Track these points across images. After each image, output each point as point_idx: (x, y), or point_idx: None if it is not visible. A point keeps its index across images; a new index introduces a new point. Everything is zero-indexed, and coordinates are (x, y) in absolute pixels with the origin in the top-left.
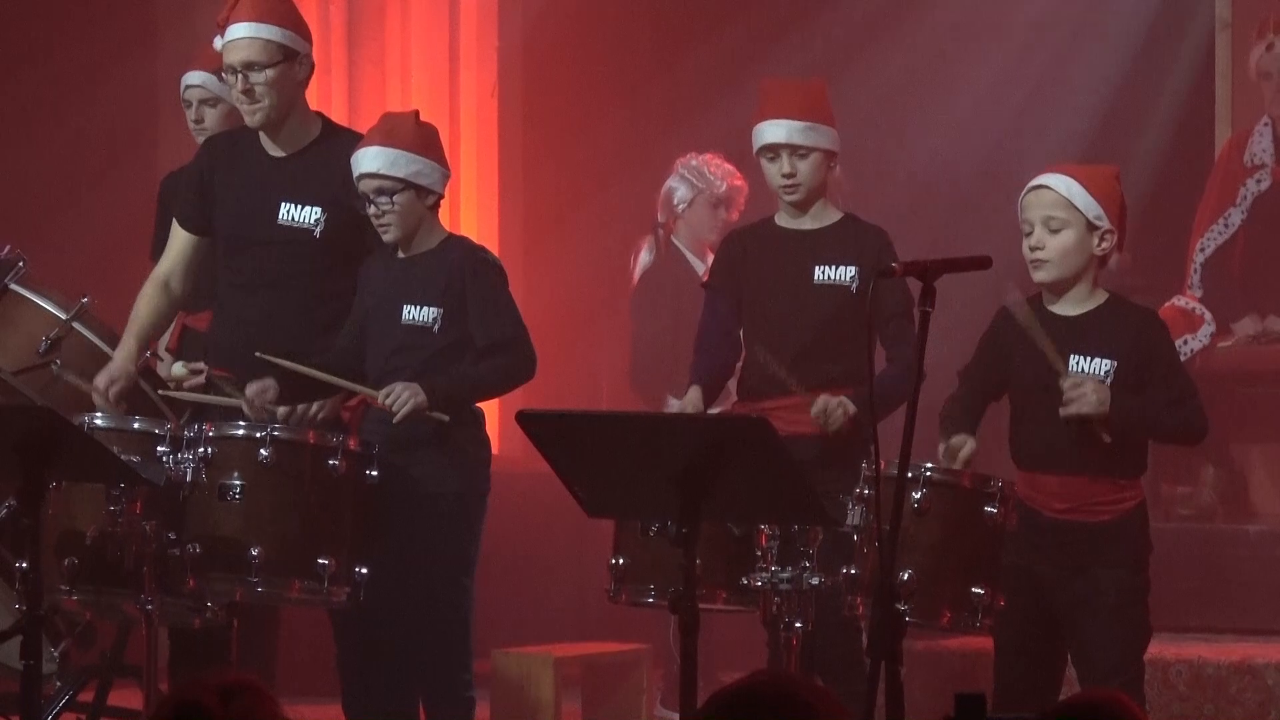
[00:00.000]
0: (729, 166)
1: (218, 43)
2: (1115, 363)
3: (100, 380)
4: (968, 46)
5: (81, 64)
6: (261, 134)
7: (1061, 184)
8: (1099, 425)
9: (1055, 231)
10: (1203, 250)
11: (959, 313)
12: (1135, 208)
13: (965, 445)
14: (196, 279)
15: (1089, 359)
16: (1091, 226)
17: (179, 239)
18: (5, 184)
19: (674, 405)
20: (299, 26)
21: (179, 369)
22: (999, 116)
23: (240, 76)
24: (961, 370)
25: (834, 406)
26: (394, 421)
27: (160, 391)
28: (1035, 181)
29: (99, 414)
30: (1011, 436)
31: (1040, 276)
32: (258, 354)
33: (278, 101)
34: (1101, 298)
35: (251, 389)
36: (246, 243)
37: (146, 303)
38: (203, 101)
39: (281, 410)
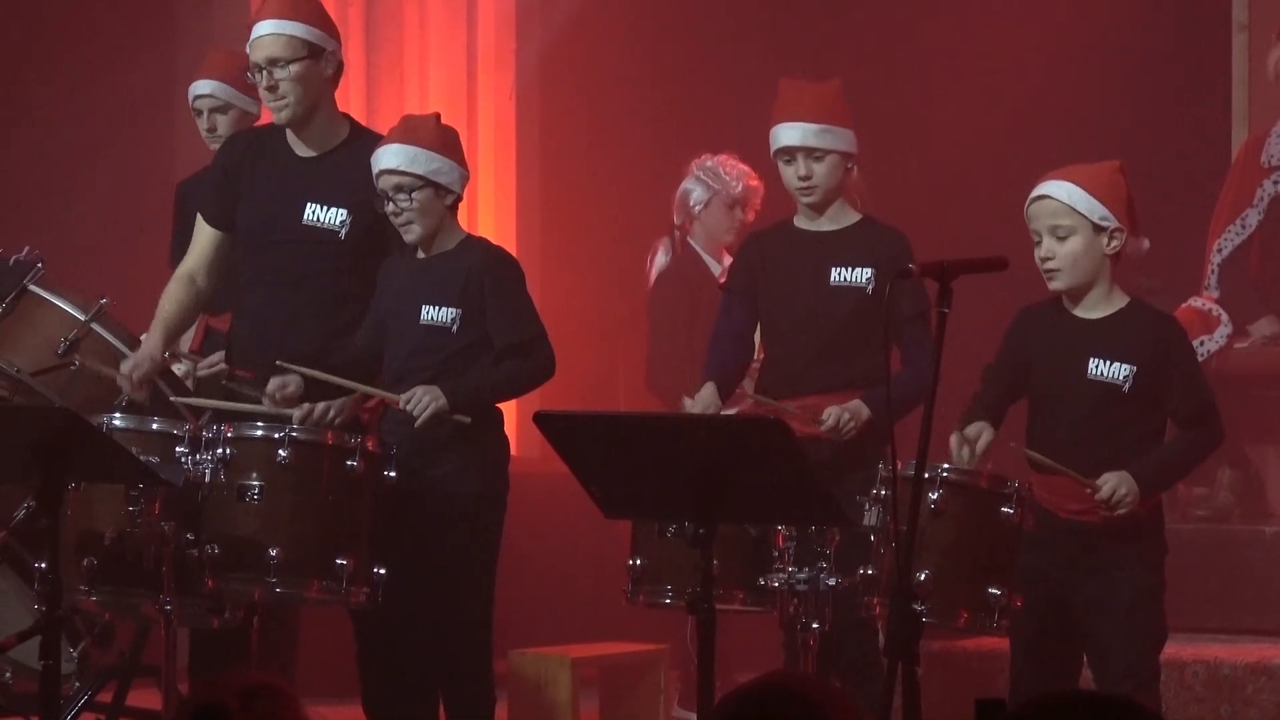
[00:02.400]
0: (744, 167)
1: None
2: (1135, 368)
3: (125, 365)
4: (985, 48)
5: (98, 65)
6: (289, 133)
7: (1062, 190)
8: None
9: (1062, 239)
10: (1220, 251)
11: (976, 314)
12: (1152, 210)
13: (982, 434)
14: (221, 276)
15: (1109, 363)
16: (1098, 228)
17: (203, 235)
18: (20, 185)
19: (689, 405)
20: (325, 24)
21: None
22: (1016, 118)
23: (265, 73)
24: (985, 368)
25: (845, 419)
26: (415, 426)
27: (176, 399)
28: (1037, 191)
29: (117, 415)
30: (1027, 438)
31: (1055, 285)
32: (279, 362)
33: (303, 97)
34: (1122, 301)
35: (273, 384)
36: (269, 241)
37: (171, 297)
38: (213, 110)
39: (297, 413)
